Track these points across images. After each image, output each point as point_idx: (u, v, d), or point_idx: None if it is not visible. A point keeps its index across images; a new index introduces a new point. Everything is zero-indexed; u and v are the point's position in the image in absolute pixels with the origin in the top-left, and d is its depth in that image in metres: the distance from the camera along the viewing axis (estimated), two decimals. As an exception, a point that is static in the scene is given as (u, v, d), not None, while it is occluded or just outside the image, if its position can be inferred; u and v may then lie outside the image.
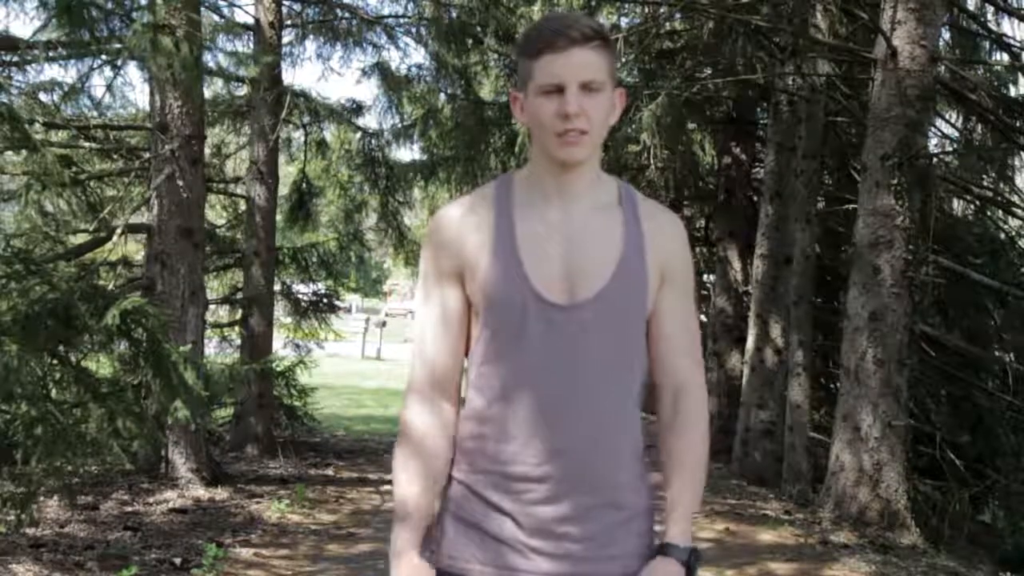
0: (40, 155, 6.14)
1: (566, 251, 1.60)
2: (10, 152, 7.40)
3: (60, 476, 4.94)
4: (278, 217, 9.57)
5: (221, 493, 6.74)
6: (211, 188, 9.83)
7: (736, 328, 11.11)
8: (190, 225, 6.94)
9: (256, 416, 8.70)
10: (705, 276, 13.57)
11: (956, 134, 9.82)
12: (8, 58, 6.77)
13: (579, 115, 1.54)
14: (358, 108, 10.66)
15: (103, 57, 6.88)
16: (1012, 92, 9.34)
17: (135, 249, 8.87)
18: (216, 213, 11.20)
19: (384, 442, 10.12)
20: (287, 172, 11.13)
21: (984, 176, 9.63)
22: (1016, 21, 9.52)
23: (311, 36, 10.55)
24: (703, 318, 12.52)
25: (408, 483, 1.63)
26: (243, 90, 9.83)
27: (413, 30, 10.54)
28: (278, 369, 9.46)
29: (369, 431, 11.42)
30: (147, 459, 6.93)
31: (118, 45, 6.12)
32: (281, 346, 10.70)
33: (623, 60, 9.20)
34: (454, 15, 9.76)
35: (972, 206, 9.83)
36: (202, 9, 7.47)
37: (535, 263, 1.59)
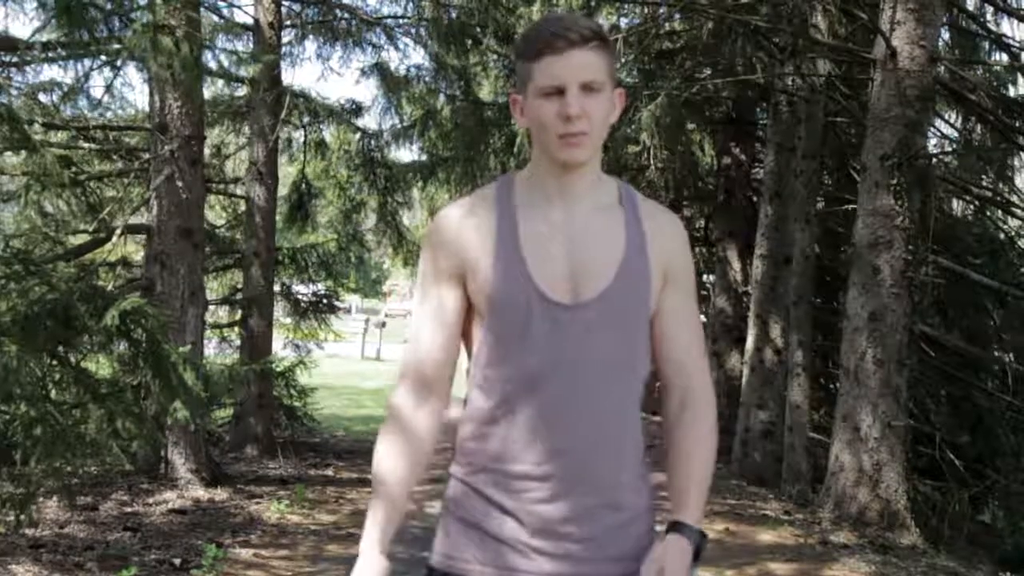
0: (39, 156, 6.13)
1: (569, 251, 1.60)
2: (9, 153, 7.39)
3: (59, 477, 4.94)
4: (277, 218, 9.57)
5: (221, 494, 6.74)
6: (211, 189, 9.83)
7: (736, 328, 11.11)
8: (190, 226, 6.94)
9: (256, 417, 8.70)
10: (705, 276, 13.57)
11: (956, 134, 9.82)
12: (7, 58, 6.76)
13: (580, 116, 1.54)
14: (357, 108, 10.66)
15: (102, 58, 6.87)
16: (1011, 92, 9.34)
17: (135, 250, 8.87)
18: (216, 214, 11.21)
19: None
20: (287, 173, 11.13)
21: (983, 176, 9.63)
22: (1015, 21, 9.52)
23: (310, 36, 10.56)
24: (703, 318, 12.52)
25: (389, 458, 1.63)
26: (243, 90, 9.84)
27: (412, 31, 10.55)
28: (278, 370, 9.46)
29: (369, 431, 11.40)
30: (147, 460, 6.94)
31: (117, 45, 6.12)
32: (281, 347, 10.70)
33: (623, 60, 9.20)
34: (453, 15, 9.76)
35: (971, 206, 9.83)
36: (201, 10, 7.47)
37: (538, 263, 1.59)
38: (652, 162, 9.14)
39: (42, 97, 7.59)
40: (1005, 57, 9.17)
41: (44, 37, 6.77)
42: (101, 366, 5.83)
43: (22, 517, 4.55)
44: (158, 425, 5.91)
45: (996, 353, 9.08)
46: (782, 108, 9.13)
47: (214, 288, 10.85)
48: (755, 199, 11.18)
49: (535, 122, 1.60)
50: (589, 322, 1.58)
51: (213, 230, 9.92)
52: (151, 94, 7.07)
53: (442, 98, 11.12)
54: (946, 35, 8.86)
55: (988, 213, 9.67)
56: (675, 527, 1.60)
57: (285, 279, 10.58)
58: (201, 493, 6.66)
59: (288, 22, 9.91)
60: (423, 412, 1.65)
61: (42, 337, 4.40)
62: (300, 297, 10.92)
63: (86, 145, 8.38)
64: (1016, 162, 9.38)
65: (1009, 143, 8.61)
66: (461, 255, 1.62)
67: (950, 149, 9.96)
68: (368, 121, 11.74)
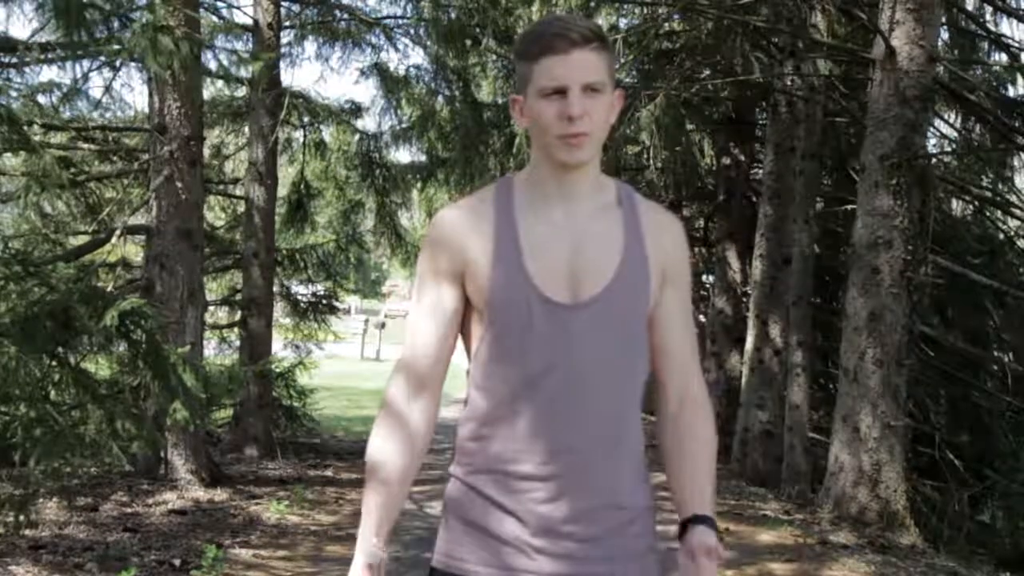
0: (39, 157, 6.14)
1: (568, 252, 1.60)
2: (9, 154, 7.40)
3: (59, 478, 4.94)
4: (276, 218, 9.57)
5: (220, 494, 6.74)
6: (210, 189, 9.84)
7: (735, 328, 11.12)
8: (189, 226, 6.93)
9: (255, 417, 8.70)
10: (704, 277, 13.58)
11: (955, 134, 9.82)
12: (6, 59, 6.76)
13: (582, 117, 1.55)
14: (357, 109, 10.67)
15: (101, 58, 6.88)
16: (1011, 92, 9.34)
17: (134, 250, 8.87)
18: (215, 214, 11.21)
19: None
20: (286, 173, 11.14)
21: (983, 176, 9.64)
22: (1015, 21, 9.53)
23: (310, 37, 10.56)
24: (702, 318, 12.53)
25: (384, 449, 1.63)
26: (242, 91, 9.84)
27: (412, 31, 10.55)
28: (277, 370, 9.46)
29: (368, 432, 11.39)
30: (146, 461, 6.93)
31: (117, 46, 6.12)
32: (280, 347, 10.69)
33: (622, 61, 9.20)
34: (453, 16, 9.77)
35: (971, 206, 9.85)
36: (200, 10, 7.48)
37: (538, 264, 1.59)
38: (652, 162, 9.14)
39: (41, 98, 7.59)
40: (1004, 57, 9.18)
41: (43, 38, 6.77)
42: (100, 367, 5.83)
43: (21, 518, 4.55)
44: (158, 426, 5.91)
45: (996, 353, 9.08)
46: (781, 108, 9.13)
47: (213, 289, 10.85)
48: (755, 199, 11.18)
49: (536, 123, 1.60)
50: (588, 322, 1.58)
51: (212, 231, 9.92)
52: (150, 95, 7.07)
53: (441, 99, 11.12)
54: (945, 35, 8.87)
55: (987, 213, 9.68)
56: (701, 520, 1.61)
57: (284, 280, 10.57)
58: (201, 494, 6.66)
59: (287, 23, 9.92)
60: (417, 407, 1.65)
61: (41, 338, 4.40)
62: (299, 298, 10.93)
63: (85, 146, 8.38)
64: (1015, 162, 9.38)
65: (1008, 143, 8.61)
66: (460, 256, 1.62)
67: (949, 149, 9.96)
68: (368, 121, 11.76)
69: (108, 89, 7.85)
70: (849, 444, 6.53)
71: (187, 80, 6.58)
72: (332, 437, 10.72)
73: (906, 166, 6.51)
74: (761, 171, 10.44)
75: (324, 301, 11.02)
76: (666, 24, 9.83)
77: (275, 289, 9.71)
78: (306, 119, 10.09)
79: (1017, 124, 8.43)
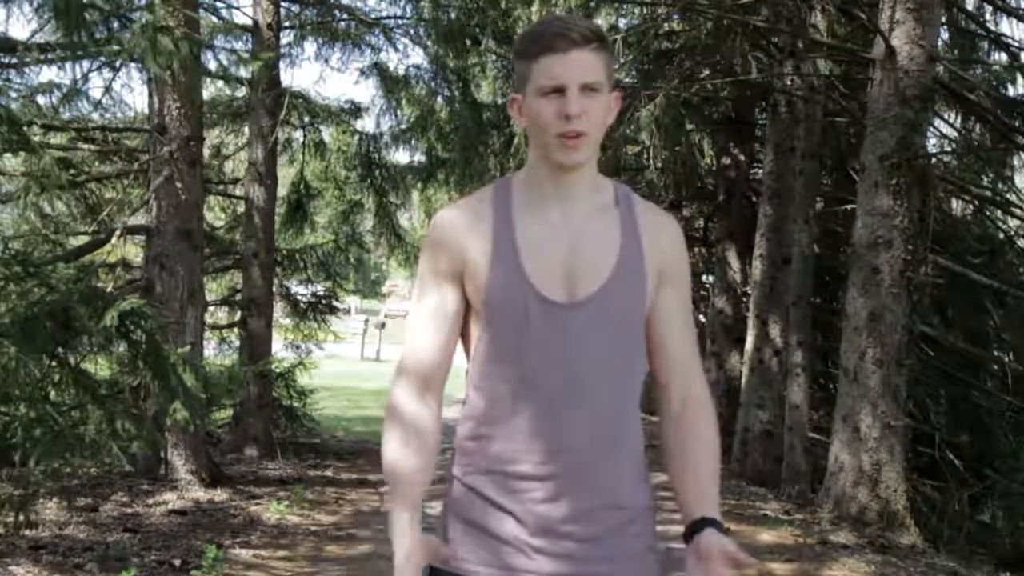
0: (39, 157, 6.14)
1: (565, 252, 1.61)
2: (9, 154, 7.40)
3: (59, 478, 4.94)
4: (276, 218, 9.57)
5: (220, 494, 6.74)
6: (210, 189, 9.84)
7: (735, 328, 11.12)
8: (189, 227, 6.93)
9: (255, 417, 8.70)
10: (704, 277, 13.58)
11: (955, 134, 9.82)
12: (6, 60, 6.76)
13: (580, 116, 1.55)
14: (356, 109, 10.67)
15: (101, 59, 6.87)
16: (1011, 92, 9.34)
17: (134, 251, 8.87)
18: (215, 214, 11.21)
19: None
20: (286, 173, 11.14)
21: (983, 176, 9.64)
22: (1015, 21, 9.53)
23: (309, 38, 10.55)
24: (702, 318, 12.53)
25: (401, 452, 1.61)
26: (242, 91, 9.84)
27: (411, 31, 10.55)
28: (277, 371, 9.46)
29: (369, 432, 11.40)
30: (146, 461, 6.93)
31: (116, 47, 6.12)
32: (280, 348, 10.69)
33: (622, 61, 9.20)
34: (452, 16, 9.77)
35: (971, 206, 9.85)
36: (200, 11, 7.48)
37: (535, 264, 1.60)
38: (652, 162, 9.14)
39: (41, 99, 7.58)
40: (1004, 56, 9.18)
41: (42, 39, 6.77)
42: (100, 367, 5.83)
43: (21, 518, 4.55)
44: (158, 426, 5.91)
45: (996, 353, 9.08)
46: (781, 108, 9.13)
47: (213, 289, 10.85)
48: (755, 199, 11.18)
49: (534, 122, 1.60)
50: (585, 321, 1.59)
51: (212, 231, 9.92)
52: (150, 95, 7.07)
53: (440, 99, 11.12)
54: (945, 35, 8.87)
55: (987, 213, 9.68)
56: (709, 523, 1.59)
57: (284, 280, 10.57)
58: (201, 494, 6.66)
59: (287, 23, 9.92)
60: (424, 408, 1.64)
61: (41, 338, 4.40)
62: (299, 298, 10.92)
63: (85, 147, 8.38)
64: (1015, 162, 9.38)
65: (1008, 143, 8.61)
66: (459, 256, 1.62)
67: (949, 149, 9.96)
68: (367, 122, 11.76)
69: (108, 90, 7.85)
70: (849, 444, 6.53)
71: (187, 80, 6.58)
72: (332, 437, 10.72)
73: (906, 166, 6.51)
74: (761, 171, 10.44)
75: (324, 301, 11.02)
76: (666, 24, 9.83)
77: (275, 289, 9.71)
78: (306, 119, 10.09)
79: (1017, 124, 8.43)
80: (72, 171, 7.66)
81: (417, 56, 35.15)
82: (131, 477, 6.88)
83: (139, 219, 7.55)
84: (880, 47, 6.63)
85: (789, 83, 8.90)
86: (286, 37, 9.99)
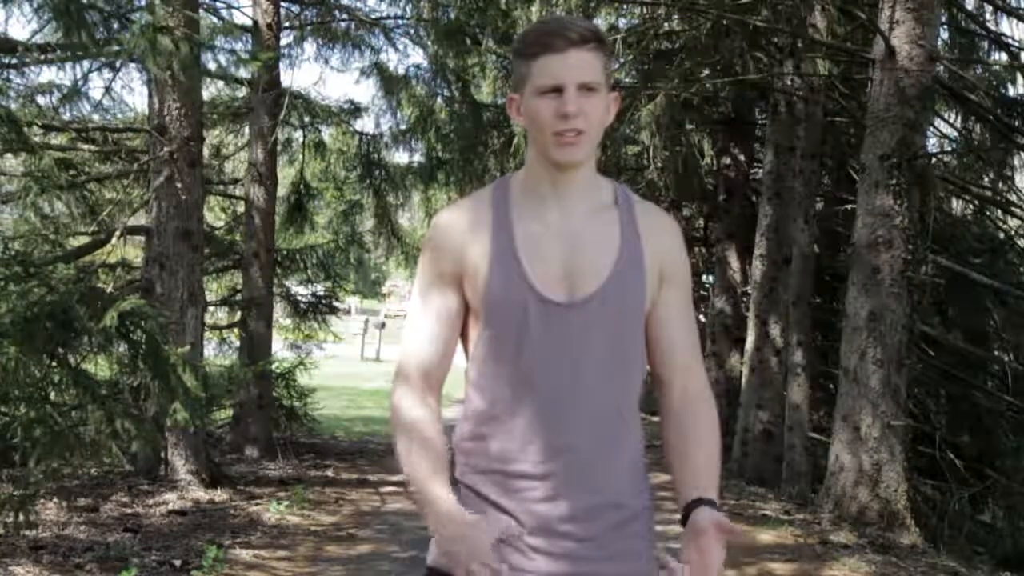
0: (39, 158, 6.14)
1: (564, 252, 1.61)
2: (9, 155, 7.40)
3: (59, 478, 4.95)
4: (276, 218, 9.57)
5: (221, 495, 6.73)
6: (210, 190, 9.84)
7: (735, 329, 11.12)
8: (189, 227, 6.93)
9: (255, 418, 8.70)
10: (704, 277, 13.57)
11: (955, 134, 9.82)
12: (6, 60, 6.76)
13: (577, 115, 1.55)
14: (356, 109, 10.66)
15: (101, 59, 6.87)
16: (1011, 91, 9.34)
17: (134, 252, 8.87)
18: (215, 215, 11.21)
19: (384, 443, 10.12)
20: (286, 174, 11.14)
21: (983, 176, 9.63)
22: (1015, 21, 9.52)
23: (309, 38, 10.56)
24: (702, 318, 12.53)
25: (413, 452, 1.58)
26: (242, 91, 9.84)
27: (411, 31, 10.55)
28: (277, 371, 9.46)
29: (369, 432, 11.42)
30: (147, 461, 6.93)
31: (116, 47, 6.12)
32: (280, 348, 10.69)
33: (622, 61, 9.20)
34: (452, 16, 9.76)
35: (971, 206, 9.84)
36: (200, 11, 7.48)
37: (534, 264, 1.60)
38: (652, 162, 9.14)
39: (41, 99, 7.59)
40: (1004, 56, 9.16)
41: (43, 39, 6.77)
42: (100, 368, 5.83)
43: (21, 518, 4.55)
44: (158, 426, 5.91)
45: (996, 353, 9.07)
46: (781, 108, 9.13)
47: (213, 289, 10.84)
48: (754, 199, 11.18)
49: (532, 121, 1.60)
50: (585, 321, 1.59)
51: (212, 231, 9.92)
52: (150, 96, 7.07)
53: (440, 100, 11.11)
54: (945, 34, 8.86)
55: (988, 213, 9.67)
56: (706, 502, 1.56)
57: (284, 280, 10.57)
58: (201, 494, 6.66)
59: (287, 23, 9.92)
60: (428, 415, 1.64)
61: (41, 338, 4.40)
62: (299, 298, 10.92)
63: (85, 147, 8.38)
64: (1015, 161, 9.36)
65: (1008, 143, 8.60)
66: (459, 258, 1.63)
67: (950, 149, 9.96)
68: (367, 122, 11.76)
69: (108, 90, 7.86)
70: (849, 444, 6.52)
71: (187, 81, 6.58)
72: (332, 437, 10.72)
73: (906, 166, 6.51)
74: (761, 171, 10.43)
75: (324, 301, 11.02)
76: (666, 24, 9.83)
77: (275, 290, 9.71)
78: (306, 119, 10.09)
79: (1017, 123, 8.42)
80: (72, 171, 7.66)
81: (417, 56, 35.17)
82: (131, 477, 6.88)
83: (139, 219, 7.55)
84: (880, 47, 6.63)
85: (789, 83, 8.90)
86: (286, 38, 9.99)
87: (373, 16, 10.63)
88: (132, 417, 4.84)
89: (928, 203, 6.77)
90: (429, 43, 10.28)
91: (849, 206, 8.34)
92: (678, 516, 1.62)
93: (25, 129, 5.69)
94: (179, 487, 6.71)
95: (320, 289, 11.09)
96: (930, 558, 5.96)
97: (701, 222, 13.88)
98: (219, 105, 10.37)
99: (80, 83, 7.46)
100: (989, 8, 9.15)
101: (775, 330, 9.10)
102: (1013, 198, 9.28)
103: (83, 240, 7.69)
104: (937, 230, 6.97)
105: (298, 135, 10.61)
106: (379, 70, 10.62)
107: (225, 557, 5.13)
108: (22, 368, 4.24)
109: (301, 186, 10.34)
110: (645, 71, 10.32)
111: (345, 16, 10.37)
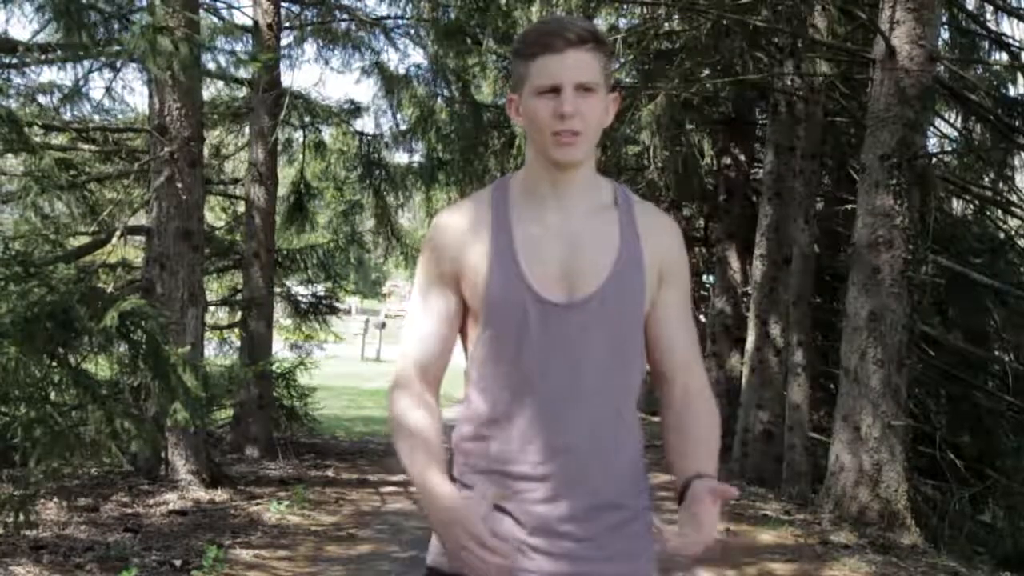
0: (39, 157, 6.14)
1: (564, 252, 1.61)
2: (9, 154, 7.40)
3: (59, 478, 4.95)
4: (276, 218, 9.57)
5: (221, 495, 6.73)
6: (210, 190, 9.84)
7: (735, 329, 11.12)
8: (189, 227, 6.93)
9: (256, 418, 8.70)
10: (704, 277, 13.57)
11: (955, 134, 9.82)
12: (7, 60, 6.77)
13: (575, 115, 1.56)
14: (356, 109, 10.66)
15: (102, 59, 6.88)
16: (1011, 91, 9.34)
17: (134, 252, 8.87)
18: (215, 215, 11.21)
19: (384, 443, 10.12)
20: (286, 174, 11.15)
21: (983, 176, 9.62)
22: (1015, 20, 9.52)
23: (309, 38, 10.56)
24: (702, 319, 12.53)
25: (413, 452, 1.59)
26: (242, 92, 9.84)
27: (411, 31, 10.55)
28: (278, 371, 9.46)
29: (369, 432, 11.42)
30: (147, 461, 6.93)
31: (117, 47, 6.12)
32: (281, 348, 10.69)
33: (622, 61, 9.20)
34: (452, 16, 9.76)
35: (971, 206, 9.83)
36: (200, 11, 7.48)
37: (533, 265, 1.60)
38: (652, 162, 9.14)
39: (41, 99, 7.60)
40: (1005, 56, 9.16)
41: (43, 39, 6.77)
42: (101, 368, 5.83)
43: (21, 518, 4.55)
44: (158, 426, 5.91)
45: (996, 353, 9.07)
46: (781, 108, 9.13)
47: (214, 289, 10.85)
48: (755, 199, 11.18)
49: (530, 121, 1.61)
50: (584, 321, 1.59)
51: (212, 231, 9.92)
52: (150, 96, 7.07)
53: (440, 100, 11.11)
54: (945, 34, 8.86)
55: (988, 213, 9.67)
56: (703, 476, 1.56)
57: (285, 280, 10.57)
58: (201, 494, 6.66)
59: (287, 24, 9.92)
60: (427, 416, 1.64)
61: (42, 339, 4.40)
62: (300, 298, 10.92)
63: (86, 147, 8.39)
64: (1016, 161, 9.36)
65: (1009, 143, 8.60)
66: (458, 259, 1.63)
67: (950, 149, 9.96)
68: (367, 122, 11.76)
69: (108, 90, 7.89)
70: (850, 444, 6.53)
71: (187, 81, 6.58)
72: (332, 437, 10.72)
73: (906, 166, 6.51)
74: (761, 171, 10.43)
75: (324, 301, 11.02)
76: (666, 24, 9.83)
77: (275, 289, 9.71)
78: (306, 119, 10.09)
79: (1017, 123, 8.42)
80: (73, 171, 7.66)
81: (417, 56, 35.18)
82: (131, 477, 6.88)
83: (139, 219, 7.55)
84: (880, 47, 6.63)
85: (789, 83, 8.90)
86: (286, 38, 9.99)
87: (373, 16, 10.63)
88: (132, 417, 4.84)
89: (928, 203, 6.77)
90: (429, 43, 10.28)
91: (849, 206, 8.33)
92: (678, 516, 1.61)
93: (26, 129, 5.69)
94: (179, 487, 6.71)
95: (320, 289, 11.09)
96: (930, 558, 5.96)
97: (701, 222, 13.88)
98: (219, 105, 10.37)
99: (81, 83, 7.48)
100: (989, 8, 9.15)
101: (775, 330, 9.10)
102: (1013, 198, 9.27)
103: (83, 240, 7.69)
104: (937, 230, 6.97)
105: (298, 135, 10.61)
106: (379, 70, 10.62)
107: (225, 557, 5.13)
108: (22, 368, 4.24)
109: (301, 186, 10.34)
110: (645, 71, 10.32)
111: (345, 16, 10.37)
